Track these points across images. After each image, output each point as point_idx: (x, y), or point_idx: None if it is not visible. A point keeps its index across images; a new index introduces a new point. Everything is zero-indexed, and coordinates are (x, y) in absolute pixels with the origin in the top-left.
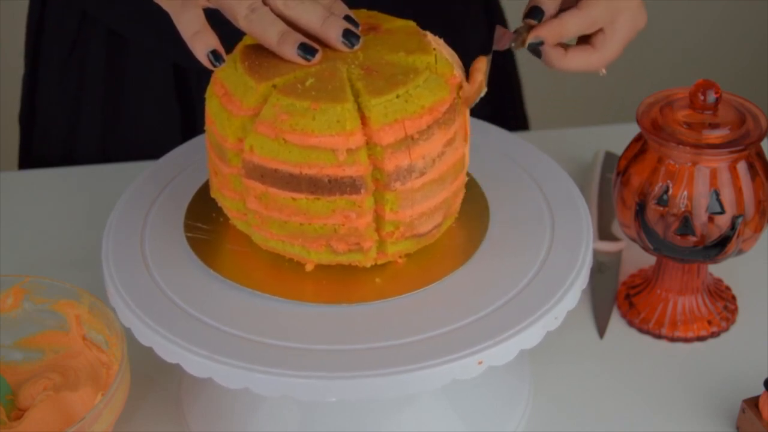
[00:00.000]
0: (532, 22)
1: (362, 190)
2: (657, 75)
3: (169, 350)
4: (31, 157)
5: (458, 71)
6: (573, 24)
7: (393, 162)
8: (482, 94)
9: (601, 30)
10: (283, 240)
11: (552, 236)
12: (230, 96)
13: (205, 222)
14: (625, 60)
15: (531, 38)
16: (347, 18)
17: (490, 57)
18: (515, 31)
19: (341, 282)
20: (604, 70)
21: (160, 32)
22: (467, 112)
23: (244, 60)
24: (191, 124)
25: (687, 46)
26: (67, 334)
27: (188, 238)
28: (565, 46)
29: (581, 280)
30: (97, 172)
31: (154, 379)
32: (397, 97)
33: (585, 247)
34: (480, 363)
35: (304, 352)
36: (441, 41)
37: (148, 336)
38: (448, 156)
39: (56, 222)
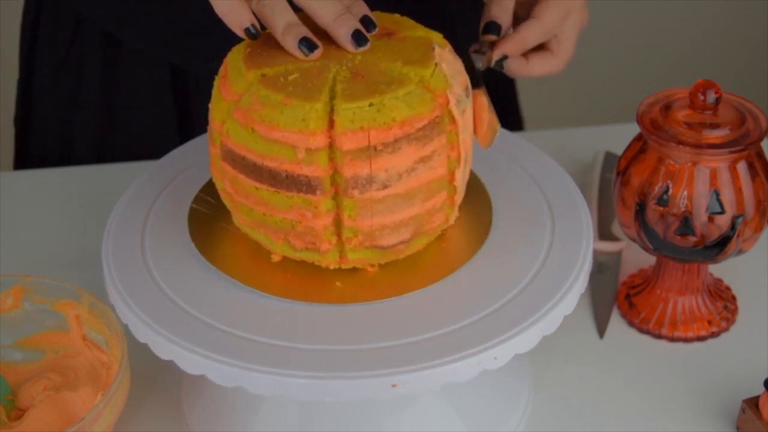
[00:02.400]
0: (491, 37)
1: (317, 192)
2: (657, 75)
3: (165, 347)
4: (28, 159)
5: (457, 89)
6: (532, 36)
7: (351, 169)
8: (498, 130)
9: (554, 35)
10: (252, 227)
11: (552, 239)
12: (226, 79)
13: (214, 198)
14: (625, 60)
15: (496, 55)
16: (364, 19)
17: (483, 89)
18: (476, 51)
19: (325, 280)
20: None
21: (156, 34)
22: (468, 136)
23: (248, 46)
24: (189, 125)
25: (687, 46)
26: (67, 334)
27: (191, 210)
28: (524, 55)
29: (579, 283)
30: (97, 172)
31: (154, 379)
32: (370, 105)
33: (584, 254)
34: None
35: (295, 350)
36: (450, 57)
37: (144, 332)
38: (421, 173)
39: (56, 222)
